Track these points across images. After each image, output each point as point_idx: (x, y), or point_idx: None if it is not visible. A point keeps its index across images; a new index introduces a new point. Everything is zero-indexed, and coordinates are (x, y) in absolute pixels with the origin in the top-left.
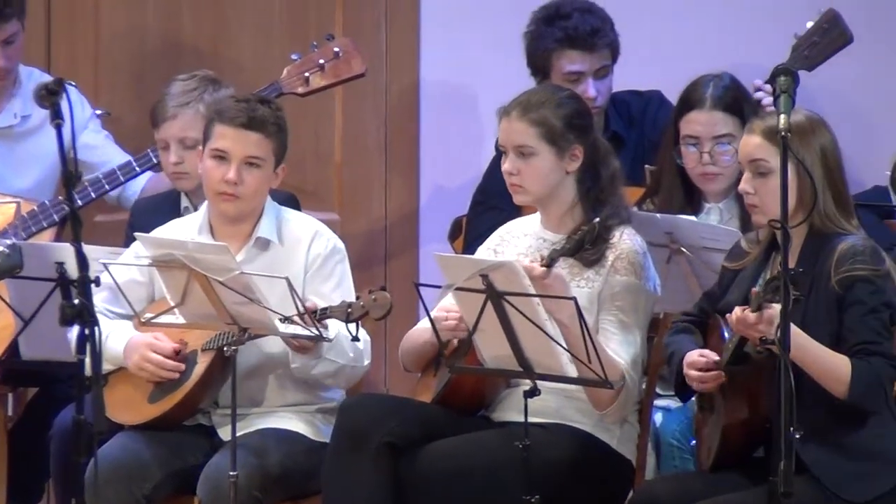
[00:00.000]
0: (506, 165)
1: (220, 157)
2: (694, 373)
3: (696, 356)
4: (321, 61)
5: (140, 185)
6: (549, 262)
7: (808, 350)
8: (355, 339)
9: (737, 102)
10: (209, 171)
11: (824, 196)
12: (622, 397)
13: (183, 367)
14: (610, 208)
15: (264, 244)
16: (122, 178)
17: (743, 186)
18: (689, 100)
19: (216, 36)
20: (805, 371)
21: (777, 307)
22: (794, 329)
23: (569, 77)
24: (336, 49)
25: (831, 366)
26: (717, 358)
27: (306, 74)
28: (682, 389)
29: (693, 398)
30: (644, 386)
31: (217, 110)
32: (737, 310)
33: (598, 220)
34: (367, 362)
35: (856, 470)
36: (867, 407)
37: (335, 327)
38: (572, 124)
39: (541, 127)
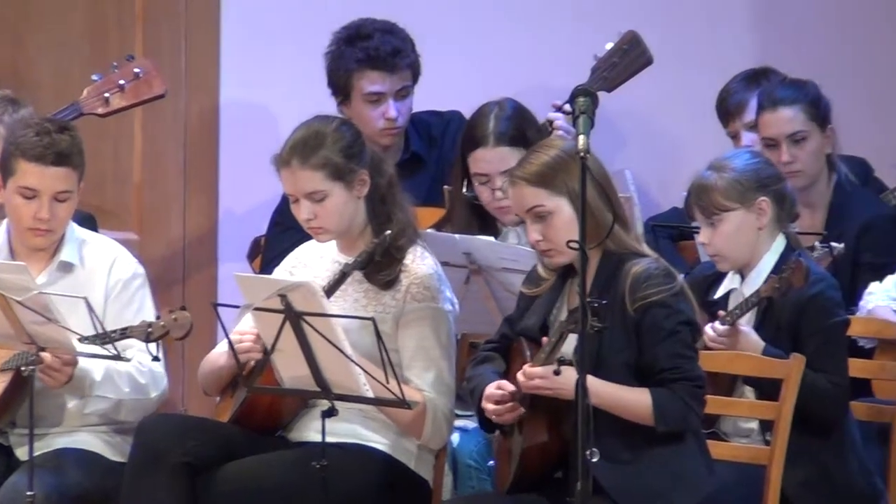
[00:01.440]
0: (302, 215)
1: (29, 195)
2: (490, 406)
3: (494, 389)
4: (121, 82)
5: None
6: None
7: (606, 395)
8: (156, 358)
9: (521, 133)
10: (18, 208)
11: (604, 218)
12: (430, 422)
13: None
14: (397, 224)
15: (66, 267)
16: None
17: (530, 237)
18: (474, 137)
19: (15, 56)
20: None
21: (567, 373)
22: (590, 378)
23: (369, 97)
24: (136, 70)
25: (632, 402)
26: (512, 389)
27: (106, 95)
28: (486, 422)
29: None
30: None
31: (18, 144)
32: (524, 369)
33: (388, 232)
34: (155, 394)
35: (653, 490)
36: (678, 432)
37: (102, 365)
38: (352, 154)
39: (325, 168)
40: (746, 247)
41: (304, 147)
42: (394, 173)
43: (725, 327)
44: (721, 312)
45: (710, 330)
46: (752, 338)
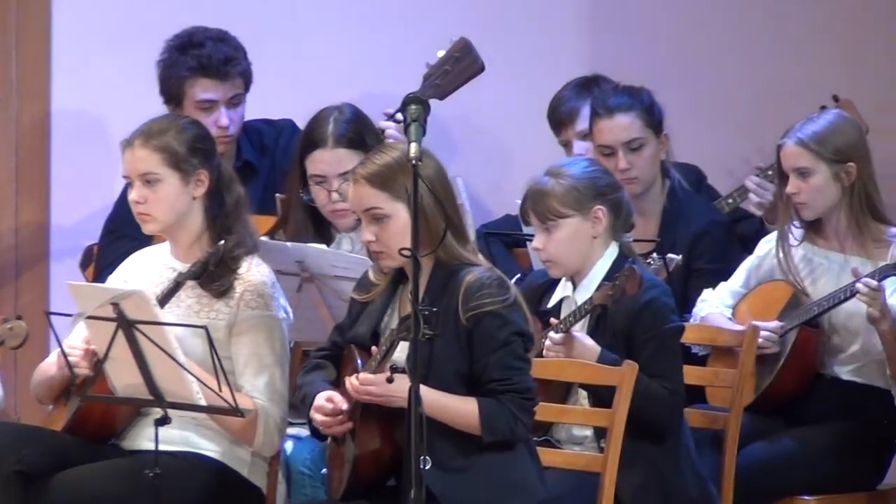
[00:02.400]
0: (132, 195)
1: None
2: (319, 417)
3: (324, 401)
4: None
5: None
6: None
7: (435, 404)
8: None
9: (359, 136)
10: None
11: (439, 226)
12: (262, 430)
13: None
14: (236, 236)
15: None
16: None
17: (364, 237)
18: (312, 138)
19: None
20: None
21: (399, 381)
22: (421, 386)
23: (201, 105)
24: None
25: (461, 412)
26: (344, 406)
27: None
28: (318, 431)
29: None
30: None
31: None
32: (357, 376)
33: (223, 242)
34: None
35: (485, 498)
36: (504, 442)
37: None
38: (195, 149)
39: (164, 153)
40: (580, 254)
41: (149, 131)
42: (243, 193)
43: (560, 335)
44: (554, 320)
45: (546, 339)
46: (587, 344)
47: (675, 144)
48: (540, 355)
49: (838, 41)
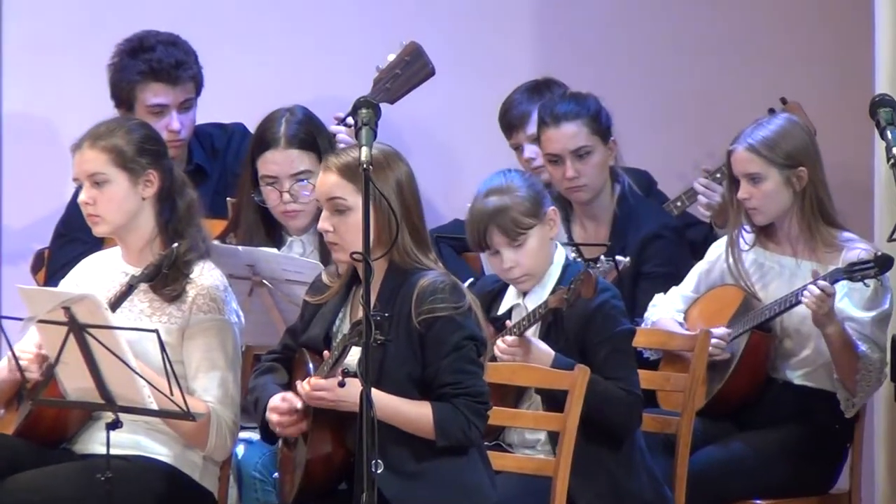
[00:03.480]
0: (82, 197)
1: None
2: (275, 417)
3: (279, 401)
4: None
5: None
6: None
7: (388, 408)
8: None
9: (311, 137)
10: None
11: (401, 230)
12: (214, 434)
13: None
14: (189, 240)
15: None
16: None
17: (322, 225)
18: (264, 139)
19: None
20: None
21: (351, 385)
22: (373, 391)
23: (153, 109)
24: None
25: (414, 416)
26: (299, 405)
27: None
28: (269, 433)
29: None
30: None
31: None
32: (309, 381)
33: (176, 245)
34: None
35: (434, 502)
36: (457, 446)
37: None
38: (144, 149)
39: (112, 153)
40: (546, 260)
41: (97, 132)
42: (195, 197)
43: (513, 338)
44: (508, 323)
45: (500, 342)
46: (541, 347)
47: (624, 149)
48: (493, 360)
49: (785, 43)
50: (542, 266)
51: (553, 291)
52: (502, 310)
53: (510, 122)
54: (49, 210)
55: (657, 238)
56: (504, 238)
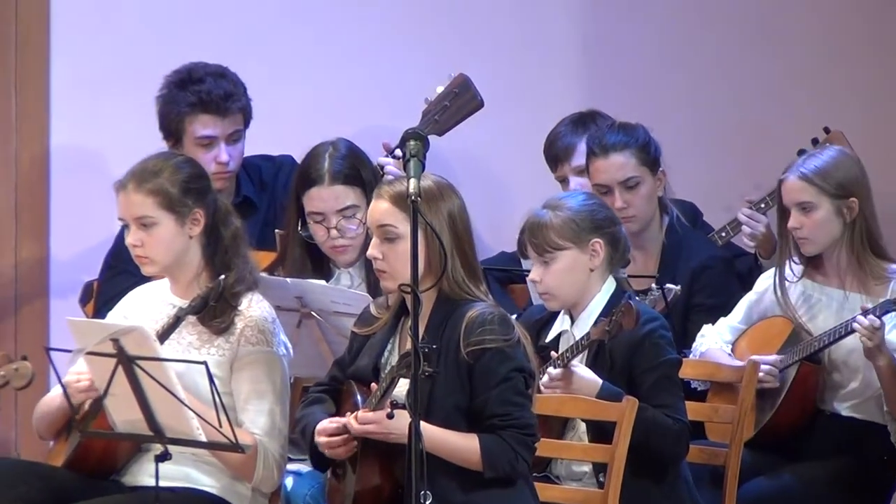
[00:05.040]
0: (129, 239)
1: None
2: (324, 439)
3: (327, 423)
4: None
5: None
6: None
7: (436, 440)
8: None
9: (356, 172)
10: None
11: (453, 261)
12: (262, 465)
13: None
14: (236, 272)
15: None
16: None
17: (371, 252)
18: (308, 176)
19: None
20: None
21: (400, 417)
22: (421, 423)
23: (201, 141)
24: None
25: (462, 448)
26: (345, 421)
27: None
28: (319, 460)
29: None
30: None
31: None
32: (357, 414)
33: (223, 277)
34: None
35: None
36: (505, 478)
37: None
38: (189, 189)
39: (158, 196)
40: (576, 286)
41: (142, 173)
42: (239, 226)
43: (559, 371)
44: (553, 354)
45: (546, 376)
46: (587, 378)
47: (670, 180)
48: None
49: (828, 74)
50: (568, 290)
51: (596, 322)
52: (550, 337)
53: (555, 154)
54: (97, 242)
55: (706, 269)
56: (534, 252)
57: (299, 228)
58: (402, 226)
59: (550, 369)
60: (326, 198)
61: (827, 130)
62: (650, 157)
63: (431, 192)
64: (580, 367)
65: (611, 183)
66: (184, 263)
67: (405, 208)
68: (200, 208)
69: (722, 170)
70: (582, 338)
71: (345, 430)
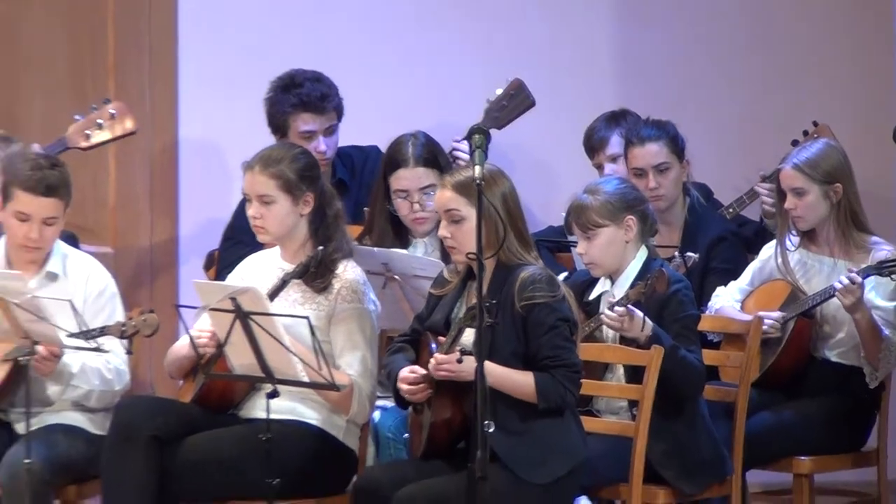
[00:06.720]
0: (250, 211)
1: (22, 218)
2: (405, 387)
3: (408, 372)
4: (100, 121)
5: None
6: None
7: (498, 376)
8: (129, 352)
9: (433, 156)
10: (13, 228)
11: (507, 234)
12: (356, 402)
13: None
14: (335, 243)
15: (53, 276)
16: None
17: (441, 232)
18: (395, 159)
19: (11, 97)
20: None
21: (467, 361)
22: (486, 363)
23: (303, 135)
24: (112, 111)
25: (520, 383)
26: (424, 372)
27: (87, 132)
28: (401, 399)
29: None
30: None
31: (15, 174)
32: (434, 357)
33: (321, 248)
34: (119, 387)
35: (537, 458)
36: (556, 409)
37: (79, 360)
38: (304, 176)
39: (278, 179)
40: (616, 257)
41: (268, 158)
42: (340, 207)
43: (622, 308)
44: (610, 300)
45: (608, 311)
46: (643, 318)
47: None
48: (589, 338)
49: (816, 75)
50: (609, 260)
51: (633, 284)
52: (593, 296)
53: (592, 145)
54: (217, 218)
55: (721, 241)
56: (578, 229)
57: (387, 205)
58: (465, 209)
59: (616, 307)
60: (411, 177)
61: (815, 124)
62: (678, 147)
63: (487, 178)
64: (638, 311)
65: (646, 167)
66: (293, 235)
67: (466, 194)
68: (311, 192)
69: (729, 156)
70: (621, 298)
71: (421, 379)
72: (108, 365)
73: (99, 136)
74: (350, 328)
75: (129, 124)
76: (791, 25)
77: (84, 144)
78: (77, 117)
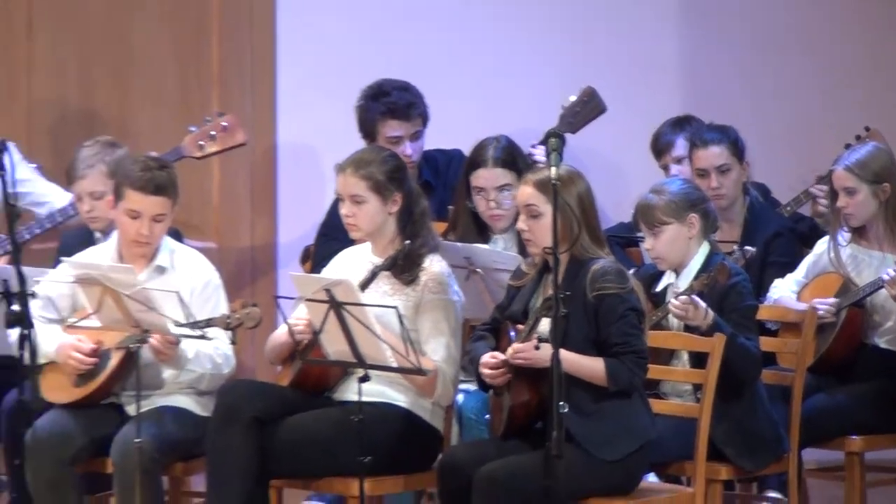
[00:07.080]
0: (343, 210)
1: (133, 216)
2: (486, 371)
3: (488, 358)
4: (212, 133)
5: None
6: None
7: (572, 362)
8: (233, 342)
9: (512, 159)
10: (125, 226)
11: (581, 230)
12: (441, 385)
13: (97, 361)
14: (421, 239)
15: (161, 269)
16: (59, 220)
17: (520, 226)
18: (476, 160)
19: (122, 107)
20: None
21: (544, 348)
22: (561, 350)
23: (391, 140)
24: (224, 123)
25: (592, 367)
26: (504, 358)
27: (201, 143)
28: (482, 383)
29: None
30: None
31: (126, 175)
32: (513, 345)
33: (408, 242)
34: (227, 370)
35: (608, 436)
36: (625, 392)
37: (194, 346)
38: (393, 178)
39: (369, 181)
40: (680, 252)
41: (359, 161)
42: (426, 206)
43: (686, 297)
44: (675, 290)
45: (674, 301)
46: (705, 308)
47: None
48: (656, 327)
49: (869, 82)
50: (675, 255)
51: (696, 276)
52: (659, 287)
53: (659, 148)
54: (313, 216)
55: (778, 236)
56: (645, 227)
57: (468, 202)
58: (543, 206)
59: (681, 297)
60: (488, 176)
61: (867, 129)
62: (739, 149)
63: (565, 178)
64: (701, 301)
65: (709, 168)
66: (383, 232)
67: (545, 191)
68: (399, 193)
69: (784, 158)
70: (686, 289)
71: (501, 364)
72: (218, 350)
73: (211, 147)
74: (436, 317)
75: (239, 137)
76: (847, 39)
77: (198, 154)
78: (191, 129)
